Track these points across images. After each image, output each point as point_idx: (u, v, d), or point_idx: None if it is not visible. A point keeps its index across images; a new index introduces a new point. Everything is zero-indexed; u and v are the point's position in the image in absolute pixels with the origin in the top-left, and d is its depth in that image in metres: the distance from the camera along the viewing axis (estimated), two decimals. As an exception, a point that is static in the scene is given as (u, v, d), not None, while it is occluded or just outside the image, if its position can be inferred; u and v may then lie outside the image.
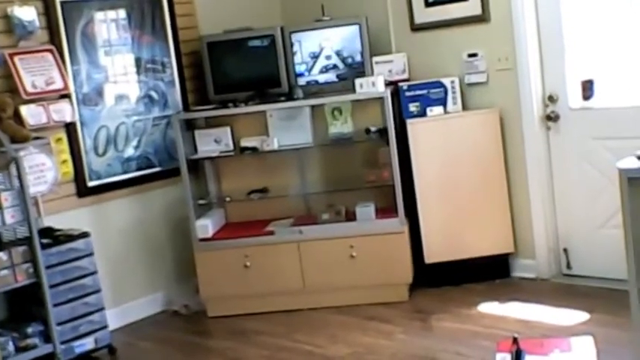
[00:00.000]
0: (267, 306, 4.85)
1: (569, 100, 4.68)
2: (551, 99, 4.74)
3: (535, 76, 4.73)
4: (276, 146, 4.96)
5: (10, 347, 4.07)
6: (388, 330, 4.38)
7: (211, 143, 5.12)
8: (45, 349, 4.18)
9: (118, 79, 5.01)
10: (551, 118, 4.76)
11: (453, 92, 4.91)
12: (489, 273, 4.90)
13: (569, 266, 4.84)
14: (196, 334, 4.75)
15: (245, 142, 5.03)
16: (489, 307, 4.50)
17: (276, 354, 4.24)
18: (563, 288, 4.70)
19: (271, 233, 4.91)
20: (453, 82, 4.90)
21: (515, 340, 2.95)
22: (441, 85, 4.90)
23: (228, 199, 5.19)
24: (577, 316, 4.20)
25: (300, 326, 4.58)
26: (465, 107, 4.93)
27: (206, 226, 4.94)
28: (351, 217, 4.87)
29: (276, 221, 5.06)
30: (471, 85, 4.93)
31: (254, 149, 4.99)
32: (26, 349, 4.13)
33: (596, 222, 4.64)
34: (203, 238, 4.91)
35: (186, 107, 5.26)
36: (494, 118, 4.83)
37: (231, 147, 5.10)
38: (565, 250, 4.85)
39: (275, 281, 4.84)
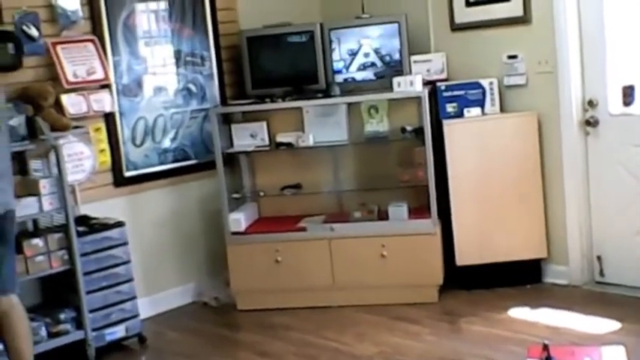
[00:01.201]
0: (296, 301, 4.87)
1: (610, 106, 4.62)
2: (591, 104, 4.68)
3: (575, 80, 4.68)
4: (311, 142, 4.97)
5: (43, 332, 4.14)
6: (416, 331, 4.37)
7: (247, 137, 5.15)
8: (77, 335, 4.24)
9: (157, 71, 5.06)
10: (590, 123, 4.70)
11: (492, 94, 4.87)
12: (521, 278, 4.86)
13: (602, 274, 4.78)
14: (225, 326, 4.79)
15: (280, 138, 5.05)
16: (520, 313, 4.46)
17: (303, 350, 4.26)
18: (596, 296, 4.65)
19: (303, 229, 4.92)
20: (491, 83, 4.86)
21: (545, 347, 2.93)
22: (479, 86, 4.86)
23: (261, 193, 5.21)
24: (608, 325, 4.15)
25: (329, 323, 4.59)
26: (502, 109, 4.89)
27: (239, 219, 4.97)
28: (383, 216, 4.87)
29: (308, 217, 5.07)
30: (509, 87, 4.89)
31: (289, 145, 5.01)
32: (58, 334, 4.20)
33: (632, 230, 4.58)
34: (235, 232, 4.94)
35: (223, 101, 5.30)
36: (532, 122, 4.78)
37: (267, 142, 5.12)
38: (599, 257, 4.78)
39: (305, 277, 4.85)
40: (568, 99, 4.68)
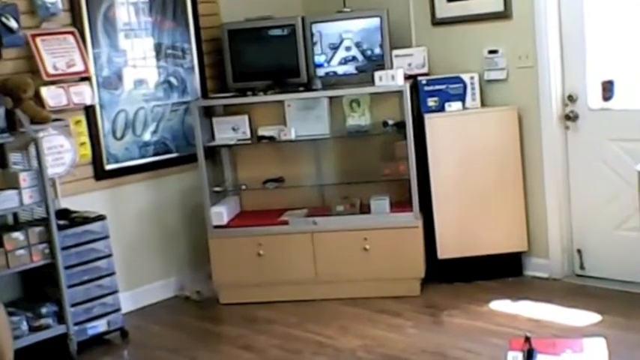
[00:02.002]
0: (279, 295, 4.87)
1: (589, 101, 4.66)
2: (571, 99, 4.73)
3: (555, 75, 4.71)
4: (293, 136, 4.97)
5: (24, 327, 4.10)
6: (399, 324, 4.39)
7: (229, 131, 5.13)
8: (58, 329, 4.21)
9: (137, 64, 5.02)
10: (570, 117, 4.74)
11: (472, 88, 4.89)
12: (502, 271, 4.90)
13: (582, 267, 4.83)
14: (208, 320, 4.78)
15: (262, 131, 5.04)
16: (501, 305, 4.50)
17: (287, 343, 4.26)
18: (576, 288, 4.70)
19: (285, 223, 4.92)
20: (472, 78, 4.89)
21: (527, 339, 2.94)
22: (460, 80, 4.89)
23: (243, 187, 5.20)
24: (589, 317, 4.19)
25: (312, 316, 4.60)
26: (483, 104, 4.92)
27: (221, 213, 4.96)
28: (365, 209, 4.88)
29: (290, 211, 5.08)
30: (490, 81, 4.92)
31: (271, 138, 5.00)
32: (40, 329, 4.16)
33: (612, 223, 4.63)
34: (217, 225, 4.93)
35: (205, 94, 5.28)
36: (512, 116, 4.82)
37: (249, 135, 5.11)
38: (579, 250, 4.84)
39: (288, 271, 4.85)
40: (548, 93, 4.72)
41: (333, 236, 4.81)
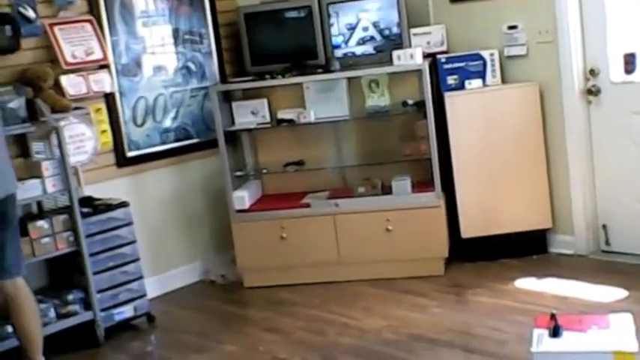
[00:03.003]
0: (302, 277, 4.88)
1: (611, 74, 4.60)
2: (593, 72, 4.67)
3: (576, 49, 4.65)
4: (312, 118, 4.95)
5: (52, 314, 4.14)
6: (423, 304, 4.38)
7: (248, 115, 5.13)
8: (85, 316, 4.25)
9: (156, 50, 5.03)
10: (592, 92, 4.68)
11: (492, 65, 4.84)
12: (526, 248, 4.87)
13: (607, 242, 4.79)
14: (233, 303, 4.81)
15: (282, 114, 5.03)
16: (526, 283, 4.48)
17: (311, 325, 4.27)
18: (602, 264, 4.66)
19: (307, 206, 4.92)
20: (492, 54, 4.84)
21: (553, 316, 2.93)
22: (480, 57, 4.84)
23: (264, 171, 5.21)
24: (615, 293, 4.16)
25: (335, 298, 4.61)
26: (504, 80, 4.87)
27: (243, 197, 4.97)
28: (387, 190, 4.87)
29: (312, 194, 5.07)
30: (510, 57, 4.86)
31: (291, 121, 4.99)
32: (67, 315, 4.21)
33: (636, 197, 4.58)
34: (240, 210, 4.94)
35: (223, 79, 5.28)
36: (533, 92, 4.76)
37: (268, 119, 5.10)
38: (604, 226, 4.79)
39: (310, 253, 4.86)
40: (569, 68, 4.66)
41: (355, 218, 4.80)
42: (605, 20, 4.55)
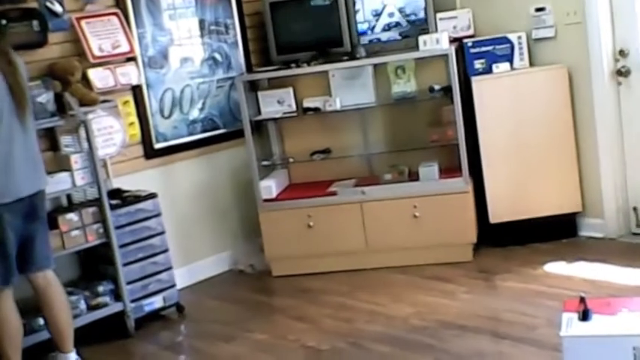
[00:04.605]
0: (330, 266, 4.89)
1: (641, 55, 4.53)
2: (622, 53, 4.59)
3: (605, 30, 4.58)
4: (338, 106, 4.94)
5: (82, 305, 4.19)
6: (452, 290, 4.36)
7: (274, 104, 5.14)
8: (115, 307, 4.30)
9: (182, 42, 5.05)
10: (621, 73, 4.61)
11: (520, 48, 4.79)
12: (556, 232, 4.82)
13: (638, 225, 4.72)
14: (261, 292, 4.83)
15: (308, 103, 5.03)
16: (556, 267, 4.43)
17: (339, 313, 4.28)
18: (632, 247, 4.59)
19: (334, 194, 4.92)
20: (519, 37, 4.78)
21: (582, 300, 2.90)
22: (507, 40, 4.78)
23: (291, 159, 5.22)
24: (646, 276, 4.11)
25: (363, 286, 4.60)
26: (532, 63, 4.81)
27: (270, 187, 4.98)
28: (414, 177, 4.85)
29: (338, 182, 5.07)
30: (538, 40, 4.80)
31: (317, 110, 4.99)
32: (97, 307, 4.25)
33: (669, 180, 4.51)
34: (267, 199, 4.96)
35: (249, 68, 5.29)
36: (562, 74, 4.70)
37: (294, 108, 5.10)
38: (635, 208, 4.72)
39: (338, 241, 4.86)
40: (598, 49, 4.59)
41: (382, 205, 4.79)
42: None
